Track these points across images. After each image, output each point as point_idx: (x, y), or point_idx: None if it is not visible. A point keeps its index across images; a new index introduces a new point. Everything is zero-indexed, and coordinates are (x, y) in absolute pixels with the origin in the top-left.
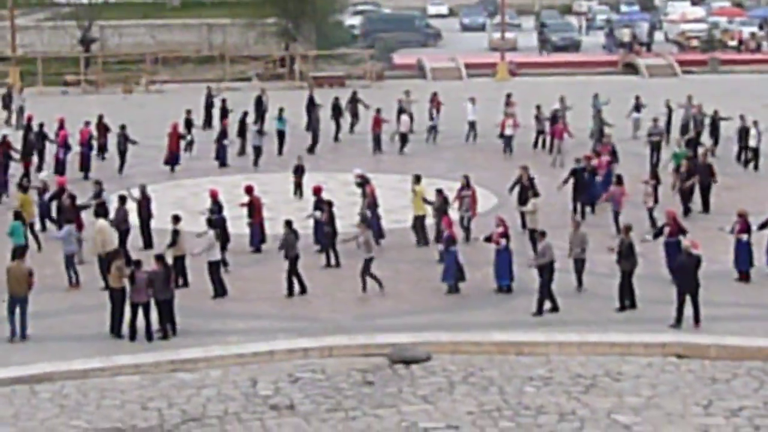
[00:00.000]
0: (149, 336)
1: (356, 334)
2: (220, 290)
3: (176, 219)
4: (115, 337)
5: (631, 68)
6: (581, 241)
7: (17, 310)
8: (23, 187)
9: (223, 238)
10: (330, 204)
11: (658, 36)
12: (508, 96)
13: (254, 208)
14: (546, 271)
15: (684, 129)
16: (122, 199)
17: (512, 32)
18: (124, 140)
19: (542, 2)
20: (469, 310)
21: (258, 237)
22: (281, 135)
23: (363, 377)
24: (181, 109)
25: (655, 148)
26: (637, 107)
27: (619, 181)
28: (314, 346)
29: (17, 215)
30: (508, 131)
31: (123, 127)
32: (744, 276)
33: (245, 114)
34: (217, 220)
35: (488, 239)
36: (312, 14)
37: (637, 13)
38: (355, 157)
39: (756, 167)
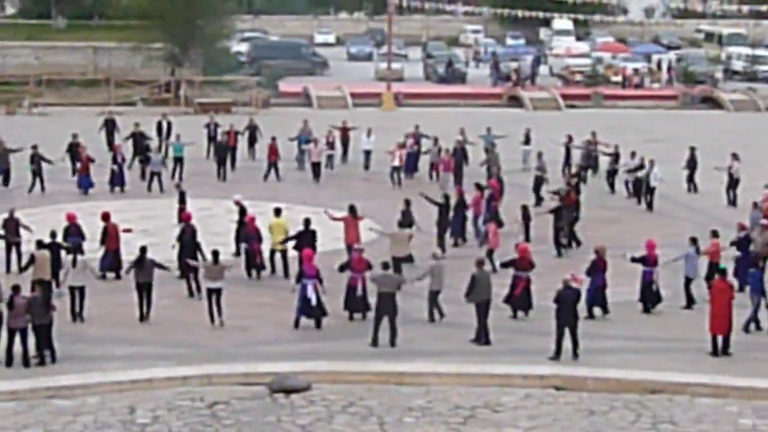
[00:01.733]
0: (26, 362)
1: (237, 362)
2: (76, 316)
3: (38, 244)
4: None
5: (516, 101)
6: (432, 272)
7: None
8: None
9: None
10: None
11: (543, 70)
12: (417, 127)
13: (108, 235)
14: (382, 300)
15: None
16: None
17: (399, 62)
18: (38, 159)
19: (429, 33)
20: (351, 339)
21: (110, 263)
22: (179, 160)
23: (245, 406)
24: (65, 132)
25: (539, 182)
26: (527, 140)
27: (493, 218)
28: (194, 374)
29: None
30: (395, 162)
31: (35, 147)
32: (590, 313)
33: (135, 136)
34: (72, 244)
35: (342, 268)
36: (199, 40)
37: (523, 47)
38: (248, 184)
39: (651, 206)
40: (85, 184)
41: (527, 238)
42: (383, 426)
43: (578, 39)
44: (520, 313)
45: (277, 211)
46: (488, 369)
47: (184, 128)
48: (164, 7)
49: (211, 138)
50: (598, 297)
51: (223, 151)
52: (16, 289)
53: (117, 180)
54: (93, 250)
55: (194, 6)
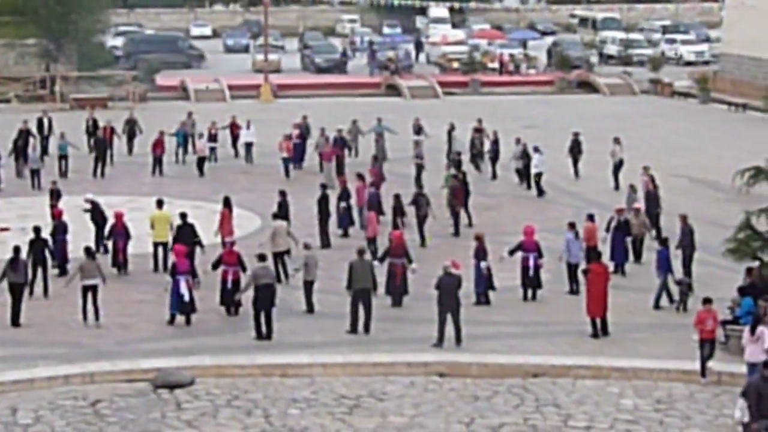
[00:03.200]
0: None
1: (119, 359)
2: None
3: None
4: None
5: (394, 90)
6: (305, 263)
7: None
8: None
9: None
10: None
11: (421, 58)
12: (305, 121)
13: None
14: (260, 293)
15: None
16: None
17: (276, 54)
18: None
19: (306, 24)
20: (234, 333)
21: None
22: (64, 158)
23: (129, 403)
24: None
25: (420, 170)
26: (417, 130)
27: (370, 207)
28: (76, 373)
29: None
30: (284, 153)
31: None
32: (485, 298)
33: (19, 136)
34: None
35: (215, 265)
36: (74, 35)
37: (400, 36)
38: (127, 180)
39: (541, 192)
40: None
41: (396, 226)
42: (268, 419)
43: (454, 26)
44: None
45: (159, 203)
46: (372, 358)
47: (60, 124)
48: (37, 2)
49: (90, 134)
50: (485, 282)
51: (101, 147)
52: None
53: None
54: None
55: (68, 1)
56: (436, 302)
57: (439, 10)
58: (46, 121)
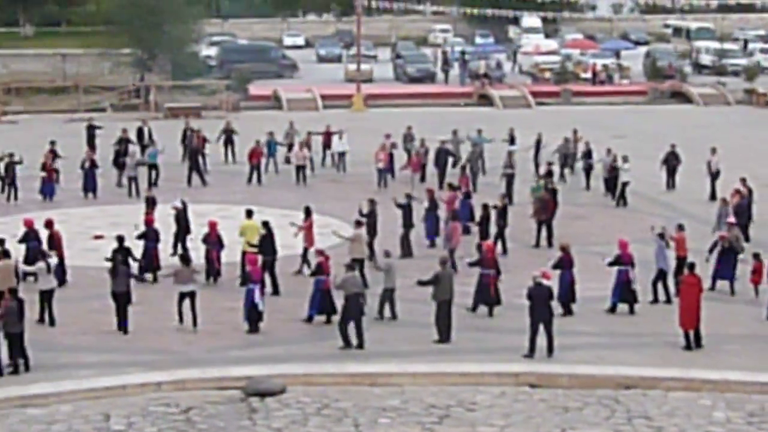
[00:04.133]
0: None
1: (209, 366)
2: (50, 320)
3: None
4: None
5: (486, 99)
6: (384, 271)
7: None
8: None
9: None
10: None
11: (513, 68)
12: (409, 131)
13: (54, 242)
14: (350, 302)
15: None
16: None
17: (368, 63)
18: (13, 168)
19: (398, 33)
20: (323, 341)
21: (61, 270)
22: (153, 167)
23: (219, 411)
24: (35, 139)
25: (510, 180)
26: (511, 140)
27: (454, 217)
28: (167, 380)
29: None
30: (380, 164)
31: (11, 155)
32: (567, 309)
33: (120, 144)
34: (30, 249)
35: (294, 224)
36: (167, 45)
37: (492, 45)
38: (214, 188)
39: (625, 203)
40: (47, 191)
41: (483, 237)
42: (358, 427)
43: (547, 36)
44: (485, 310)
45: (249, 213)
46: (462, 368)
47: (155, 133)
48: (131, 12)
49: (186, 144)
50: (569, 293)
51: (194, 156)
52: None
53: (89, 185)
54: (68, 257)
55: (161, 11)
56: (528, 313)
57: (531, 20)
58: (146, 130)
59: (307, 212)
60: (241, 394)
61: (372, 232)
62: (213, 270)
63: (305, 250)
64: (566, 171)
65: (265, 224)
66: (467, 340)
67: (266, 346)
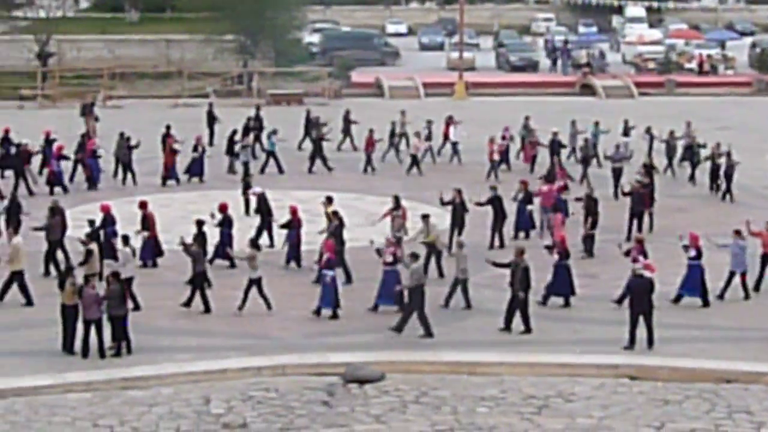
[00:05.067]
0: (102, 353)
1: (309, 352)
2: (135, 305)
3: (89, 238)
4: (67, 353)
5: (589, 89)
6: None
7: None
8: None
9: (112, 251)
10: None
11: (616, 57)
12: (527, 121)
13: (148, 223)
14: (415, 294)
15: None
16: (52, 210)
17: (470, 52)
18: (128, 151)
19: (501, 22)
20: (421, 329)
21: (151, 252)
22: (272, 155)
23: (318, 396)
24: (139, 124)
25: (618, 174)
26: (626, 131)
27: (556, 208)
28: (267, 365)
29: None
30: (495, 156)
31: (128, 138)
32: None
33: (234, 132)
34: (107, 234)
35: (379, 252)
36: (270, 31)
37: (595, 35)
38: (324, 176)
39: (731, 196)
40: (172, 176)
41: (593, 226)
42: (456, 416)
43: (651, 26)
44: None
45: (329, 200)
46: (561, 359)
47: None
48: None
49: (308, 132)
50: None
51: (319, 144)
52: (86, 280)
53: (195, 169)
54: (167, 241)
55: None
56: (628, 305)
57: (636, 10)
58: (261, 116)
59: (397, 201)
60: (340, 380)
61: (458, 222)
62: (294, 254)
63: (398, 240)
64: (673, 163)
65: (335, 213)
66: (567, 330)
67: (365, 333)
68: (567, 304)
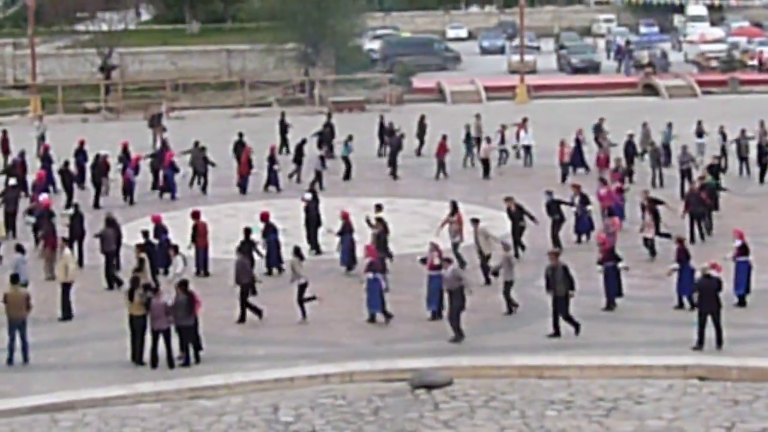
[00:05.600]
0: (171, 363)
1: (377, 359)
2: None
3: (140, 248)
4: (136, 364)
5: (651, 90)
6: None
7: (17, 335)
8: None
9: (164, 261)
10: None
11: (678, 57)
12: (597, 127)
13: (198, 233)
14: (455, 296)
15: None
16: (108, 222)
17: (532, 55)
18: (203, 161)
19: (561, 24)
20: (490, 334)
21: (201, 261)
22: (347, 161)
23: (386, 403)
24: (202, 134)
25: (686, 175)
26: (699, 133)
27: (611, 212)
28: (335, 372)
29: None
30: (566, 158)
31: (203, 149)
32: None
33: (303, 141)
34: (159, 244)
35: (423, 261)
36: (331, 39)
37: (656, 35)
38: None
39: None
40: (244, 185)
41: (657, 228)
42: (525, 420)
43: (713, 24)
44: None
45: (378, 207)
46: (630, 360)
47: (318, 128)
48: (295, 7)
49: (382, 138)
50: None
51: (396, 151)
52: (154, 290)
53: (273, 180)
54: (228, 251)
55: (325, 5)
56: (696, 304)
57: (697, 8)
58: (333, 122)
59: (454, 207)
60: (408, 386)
61: (517, 228)
62: (350, 260)
63: (455, 246)
64: (746, 162)
65: (379, 219)
66: (635, 332)
67: (433, 338)
68: (610, 306)
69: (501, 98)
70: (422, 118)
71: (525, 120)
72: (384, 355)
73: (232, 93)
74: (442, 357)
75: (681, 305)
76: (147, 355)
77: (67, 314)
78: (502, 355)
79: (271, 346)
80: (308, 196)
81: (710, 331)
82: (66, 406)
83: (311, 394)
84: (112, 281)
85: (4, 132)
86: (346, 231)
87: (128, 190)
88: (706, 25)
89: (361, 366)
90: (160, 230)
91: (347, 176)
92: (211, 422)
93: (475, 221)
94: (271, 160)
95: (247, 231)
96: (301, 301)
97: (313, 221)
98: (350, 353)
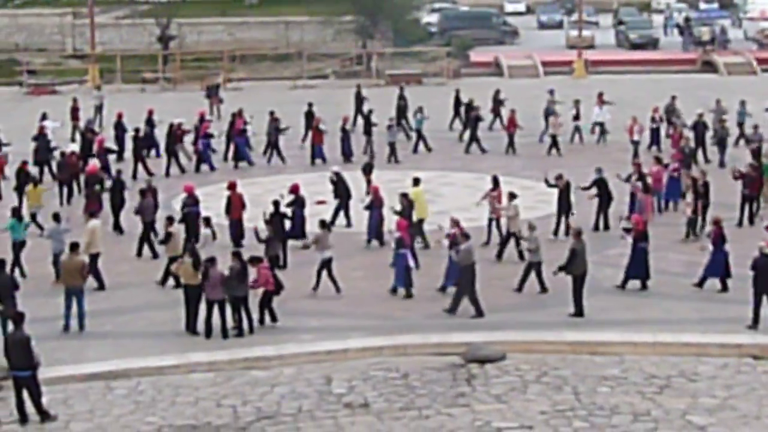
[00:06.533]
0: (224, 333)
1: (429, 332)
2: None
3: (170, 220)
4: (190, 334)
5: (710, 66)
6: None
7: (73, 304)
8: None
9: (195, 232)
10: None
11: (737, 33)
12: (673, 101)
13: (231, 205)
14: (465, 273)
15: None
16: (143, 192)
17: (590, 30)
18: (275, 130)
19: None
20: (542, 309)
21: (235, 232)
22: (419, 133)
23: (440, 376)
24: (259, 105)
25: (756, 155)
26: None
27: (647, 189)
28: (388, 345)
29: (14, 212)
30: (635, 137)
31: (276, 119)
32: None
33: (370, 111)
34: (189, 214)
35: (448, 236)
36: (389, 12)
37: (716, 11)
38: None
39: None
40: (318, 154)
41: (704, 208)
42: (578, 396)
43: None
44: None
45: (416, 181)
46: (684, 338)
47: (375, 101)
48: None
49: (457, 111)
50: (720, 269)
51: (475, 125)
52: (211, 261)
53: (346, 149)
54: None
55: None
56: (752, 283)
57: None
58: (406, 96)
59: (495, 182)
60: (461, 360)
61: (564, 206)
62: (378, 234)
63: (490, 222)
64: None
65: (404, 195)
66: (690, 310)
67: (487, 312)
68: (644, 286)
69: (558, 73)
70: (497, 93)
71: (601, 95)
72: (437, 328)
73: (290, 65)
74: (495, 331)
75: (701, 284)
76: (201, 325)
77: (100, 285)
78: (555, 330)
79: (324, 317)
80: (336, 168)
81: (766, 310)
82: (121, 374)
83: (364, 366)
84: (142, 249)
85: (75, 100)
86: (375, 205)
87: (203, 159)
88: (766, 2)
89: (413, 339)
90: (191, 201)
91: (418, 149)
92: (264, 393)
93: (512, 196)
94: (344, 130)
95: (276, 203)
96: (320, 272)
97: (343, 196)
98: (402, 326)
